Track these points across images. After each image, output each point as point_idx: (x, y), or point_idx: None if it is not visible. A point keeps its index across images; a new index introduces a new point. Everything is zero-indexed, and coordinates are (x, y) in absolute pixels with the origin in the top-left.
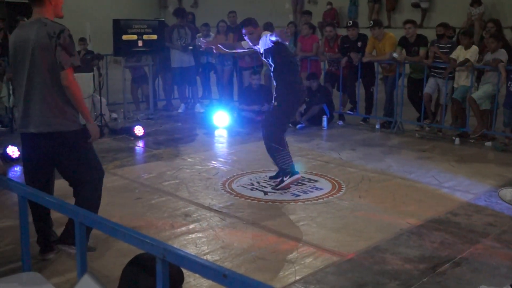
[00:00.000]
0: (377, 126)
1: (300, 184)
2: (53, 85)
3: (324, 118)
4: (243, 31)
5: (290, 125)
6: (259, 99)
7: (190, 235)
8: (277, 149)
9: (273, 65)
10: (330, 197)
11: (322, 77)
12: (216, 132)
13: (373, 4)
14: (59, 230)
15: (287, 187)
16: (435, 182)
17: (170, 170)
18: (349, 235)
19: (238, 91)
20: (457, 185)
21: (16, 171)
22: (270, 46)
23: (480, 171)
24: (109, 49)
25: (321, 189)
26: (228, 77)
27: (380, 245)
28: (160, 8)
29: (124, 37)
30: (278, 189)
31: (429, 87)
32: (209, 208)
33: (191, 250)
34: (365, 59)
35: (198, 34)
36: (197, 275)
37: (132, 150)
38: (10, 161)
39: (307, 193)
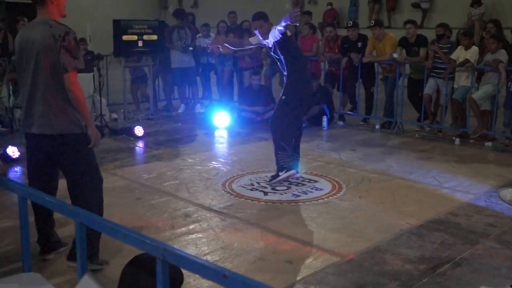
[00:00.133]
0: (377, 127)
1: (300, 185)
2: (56, 87)
3: (324, 119)
4: (253, 24)
5: None
6: (259, 100)
7: (190, 236)
8: (283, 148)
9: (282, 59)
10: (330, 197)
11: (322, 77)
12: (216, 133)
13: (373, 5)
14: (59, 230)
15: (281, 182)
16: (435, 183)
17: (170, 171)
18: (349, 236)
19: (238, 91)
20: (457, 186)
21: (16, 172)
22: (279, 38)
23: (480, 171)
24: (109, 49)
25: (321, 189)
26: (228, 78)
27: (380, 246)
28: (160, 8)
29: (124, 37)
30: (272, 183)
31: (429, 87)
32: (209, 209)
33: (191, 251)
34: (365, 60)
35: (198, 35)
36: (197, 275)
37: (132, 150)
38: (10, 161)
39: (307, 194)
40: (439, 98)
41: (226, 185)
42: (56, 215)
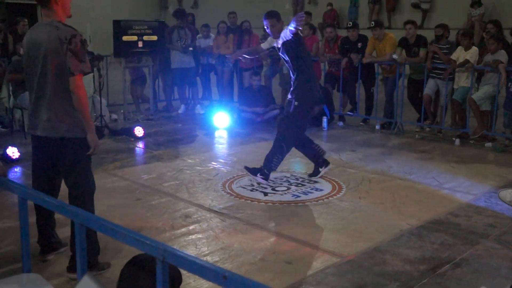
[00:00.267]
0: (377, 127)
1: (300, 185)
2: (62, 90)
3: (324, 119)
4: (265, 22)
5: None
6: (259, 100)
7: (190, 236)
8: (282, 151)
9: (289, 60)
10: (330, 198)
11: (322, 78)
12: (216, 133)
13: (373, 5)
14: (59, 231)
15: (254, 177)
16: (435, 183)
17: (170, 171)
18: (349, 236)
19: (238, 92)
20: (457, 186)
21: (16, 172)
22: (290, 38)
23: (480, 172)
24: (109, 50)
25: (321, 190)
26: (228, 78)
27: (380, 246)
28: (160, 9)
29: (124, 38)
30: (246, 170)
31: (429, 88)
32: (209, 209)
33: (191, 251)
34: (365, 60)
35: (198, 35)
36: (197, 276)
37: (132, 151)
38: (10, 162)
39: (307, 194)
40: (439, 99)
41: (226, 186)
42: (57, 216)
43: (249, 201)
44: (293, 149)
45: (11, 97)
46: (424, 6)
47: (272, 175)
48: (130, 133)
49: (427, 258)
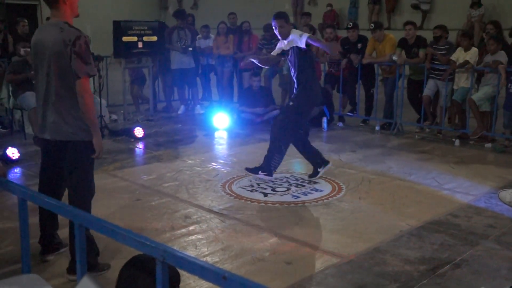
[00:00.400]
0: (377, 128)
1: (300, 186)
2: (67, 93)
3: (324, 120)
4: (274, 23)
5: None
6: (259, 101)
7: (190, 237)
8: (280, 151)
9: (295, 62)
10: (330, 198)
11: (322, 78)
12: (216, 134)
13: (373, 6)
14: (60, 232)
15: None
16: (435, 184)
17: (170, 172)
18: (349, 237)
19: (238, 92)
20: (457, 187)
21: (16, 173)
22: (303, 48)
23: (480, 172)
24: (109, 50)
25: (321, 190)
26: (228, 79)
27: (380, 247)
28: (160, 9)
29: (124, 38)
30: (248, 171)
31: (429, 89)
32: (209, 210)
33: (191, 252)
34: (365, 61)
35: (198, 36)
36: (197, 277)
37: (132, 151)
38: (10, 162)
39: (307, 195)
40: (438, 99)
41: (226, 187)
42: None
43: (249, 202)
44: (294, 150)
45: (11, 97)
46: (424, 6)
47: (272, 176)
48: (130, 133)
49: (427, 258)
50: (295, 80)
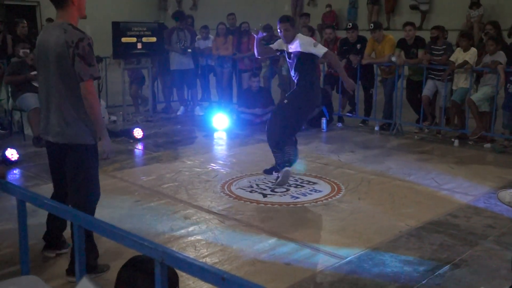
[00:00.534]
0: (376, 128)
1: (299, 187)
2: (70, 95)
3: (323, 120)
4: (279, 25)
5: None
6: (259, 102)
7: (189, 238)
8: (280, 147)
9: (299, 68)
10: (329, 199)
11: (321, 79)
12: (215, 135)
13: (372, 6)
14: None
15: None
16: (434, 184)
17: (169, 173)
18: (348, 237)
19: (237, 93)
20: (456, 187)
21: (15, 174)
22: (317, 55)
23: (479, 173)
24: (108, 51)
25: (320, 191)
26: (228, 79)
27: (379, 247)
28: (159, 10)
29: (123, 39)
30: (265, 173)
31: (428, 89)
32: (208, 211)
33: (190, 253)
34: (364, 61)
35: (197, 37)
36: (196, 278)
37: (131, 152)
38: (9, 164)
39: (306, 196)
40: (437, 100)
41: (225, 187)
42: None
43: (248, 203)
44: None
45: (10, 99)
46: (423, 7)
47: (271, 176)
48: (129, 134)
49: (426, 259)
50: (295, 82)
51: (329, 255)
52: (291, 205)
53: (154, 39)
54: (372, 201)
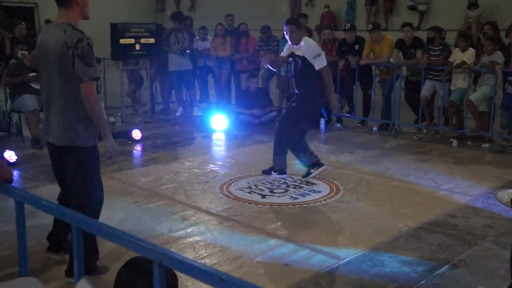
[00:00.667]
0: (375, 129)
1: (298, 187)
2: (69, 97)
3: (322, 121)
4: (285, 28)
5: None
6: (257, 102)
7: (188, 239)
8: (283, 151)
9: (303, 70)
10: (328, 200)
11: None
12: (214, 136)
13: (370, 7)
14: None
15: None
16: (433, 184)
17: (168, 174)
18: (347, 238)
19: (236, 94)
20: (454, 187)
21: (14, 175)
22: (312, 58)
23: (477, 173)
24: (107, 53)
25: (319, 192)
26: (226, 81)
27: (378, 248)
28: (157, 11)
29: (122, 41)
30: (264, 173)
31: (426, 89)
32: (207, 212)
33: (189, 254)
34: (362, 62)
35: (196, 38)
36: (195, 279)
37: (130, 153)
38: (8, 165)
39: (305, 196)
40: (435, 100)
41: (224, 188)
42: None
43: (246, 204)
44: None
45: (8, 100)
46: (421, 7)
47: (270, 177)
48: (127, 136)
49: (425, 259)
50: (299, 83)
51: (328, 256)
52: (290, 206)
53: (152, 40)
54: (371, 201)
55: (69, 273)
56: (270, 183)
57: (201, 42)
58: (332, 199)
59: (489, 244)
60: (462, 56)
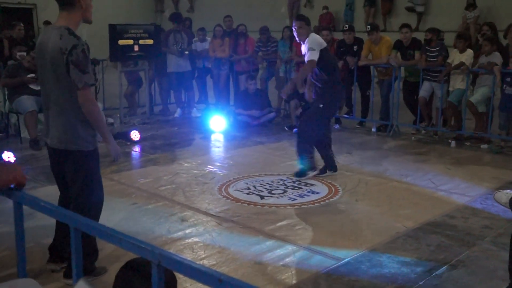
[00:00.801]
0: (373, 130)
1: (296, 188)
2: (65, 101)
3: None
4: (294, 24)
5: (286, 128)
6: (256, 103)
7: (187, 240)
8: (309, 150)
9: (316, 68)
10: (326, 200)
11: None
12: (213, 137)
13: (369, 8)
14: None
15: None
16: (432, 185)
17: (166, 175)
18: (345, 239)
19: (234, 95)
20: (453, 188)
21: None
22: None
23: (476, 173)
24: (105, 53)
25: (317, 193)
26: (224, 81)
27: (376, 249)
28: (156, 12)
29: (120, 42)
30: (296, 176)
31: (424, 90)
32: (206, 213)
33: (187, 255)
34: (361, 63)
35: (194, 39)
36: (193, 280)
37: (128, 155)
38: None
39: (304, 197)
40: (433, 101)
41: (223, 189)
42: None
43: (245, 205)
44: (292, 151)
45: (7, 101)
46: (419, 9)
47: (269, 178)
48: (126, 137)
49: (424, 260)
50: (316, 81)
51: (327, 257)
52: (289, 207)
53: (151, 42)
54: (369, 202)
55: (67, 274)
56: (269, 184)
57: (200, 43)
58: (331, 200)
59: (487, 244)
60: (461, 57)
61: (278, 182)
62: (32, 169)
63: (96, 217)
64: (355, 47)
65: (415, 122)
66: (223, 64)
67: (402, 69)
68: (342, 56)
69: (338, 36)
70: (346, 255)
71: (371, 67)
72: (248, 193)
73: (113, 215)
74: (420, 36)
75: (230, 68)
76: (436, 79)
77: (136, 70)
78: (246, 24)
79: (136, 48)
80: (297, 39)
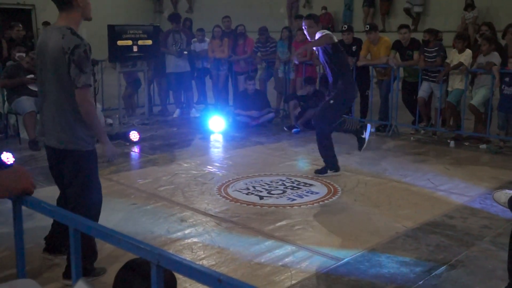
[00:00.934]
0: (372, 130)
1: (295, 188)
2: (64, 101)
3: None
4: (303, 23)
5: (285, 129)
6: (255, 104)
7: (186, 240)
8: (329, 148)
9: (328, 62)
10: (326, 201)
11: (317, 80)
12: (212, 137)
13: (368, 8)
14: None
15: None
16: (431, 185)
17: (165, 175)
18: (345, 239)
19: (233, 95)
20: (452, 188)
21: None
22: (327, 47)
23: (475, 173)
24: (104, 54)
25: (316, 193)
26: (223, 82)
27: (376, 249)
28: (155, 13)
29: (119, 42)
30: (318, 174)
31: (423, 90)
32: (205, 213)
33: (187, 255)
34: (359, 63)
35: (193, 39)
36: (192, 280)
37: (127, 155)
38: (5, 168)
39: (303, 197)
40: (432, 101)
41: (222, 190)
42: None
43: (244, 205)
44: (292, 151)
45: (5, 102)
46: (417, 9)
47: (268, 178)
48: (125, 137)
49: (423, 260)
50: (330, 77)
51: (326, 257)
52: (288, 207)
53: (150, 42)
54: (368, 202)
55: (67, 275)
56: (268, 184)
57: (199, 44)
58: (330, 200)
59: (486, 244)
60: (459, 57)
61: (277, 182)
62: (31, 169)
63: (96, 217)
64: (354, 48)
65: (414, 122)
66: (222, 64)
67: (401, 69)
68: None
69: (337, 36)
70: (346, 255)
71: (370, 67)
72: (247, 194)
73: (112, 215)
74: (419, 36)
75: (229, 68)
76: (435, 79)
77: (135, 70)
78: (245, 25)
79: (135, 48)
80: (308, 38)
